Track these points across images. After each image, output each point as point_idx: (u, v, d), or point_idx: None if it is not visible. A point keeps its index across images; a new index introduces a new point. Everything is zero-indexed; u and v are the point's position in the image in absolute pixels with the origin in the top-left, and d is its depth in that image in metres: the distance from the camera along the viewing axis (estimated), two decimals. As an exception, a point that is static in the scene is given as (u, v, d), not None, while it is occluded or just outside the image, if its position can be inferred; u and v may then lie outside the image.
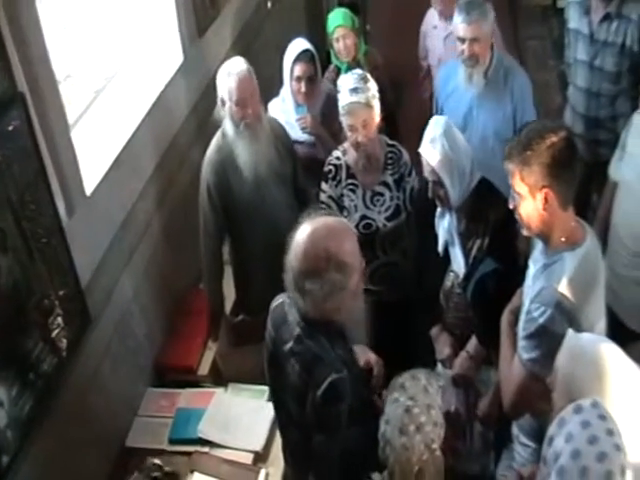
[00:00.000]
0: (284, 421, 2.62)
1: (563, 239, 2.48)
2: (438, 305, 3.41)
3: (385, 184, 3.60)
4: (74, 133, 3.07)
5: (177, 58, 3.92)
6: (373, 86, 3.46)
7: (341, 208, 3.61)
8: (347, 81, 3.46)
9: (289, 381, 2.39)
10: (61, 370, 2.69)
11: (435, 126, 3.09)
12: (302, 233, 2.27)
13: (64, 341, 2.60)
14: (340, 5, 5.99)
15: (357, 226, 3.55)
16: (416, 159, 3.79)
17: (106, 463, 3.14)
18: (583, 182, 4.23)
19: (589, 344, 2.09)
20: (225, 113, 3.46)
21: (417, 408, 2.23)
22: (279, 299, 2.51)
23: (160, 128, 3.70)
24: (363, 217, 3.60)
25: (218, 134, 3.55)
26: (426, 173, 3.12)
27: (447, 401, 3.38)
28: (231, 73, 3.39)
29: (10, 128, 2.43)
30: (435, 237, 3.30)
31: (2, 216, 2.39)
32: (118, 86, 3.51)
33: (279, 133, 3.68)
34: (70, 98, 3.14)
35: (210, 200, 3.53)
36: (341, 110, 3.46)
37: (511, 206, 2.53)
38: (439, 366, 3.46)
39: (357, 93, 3.40)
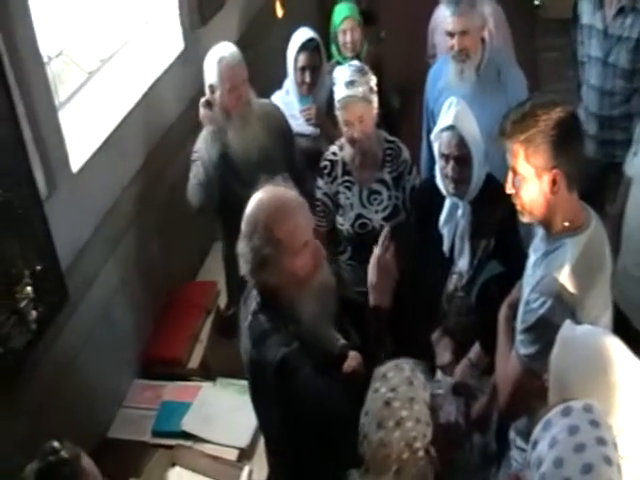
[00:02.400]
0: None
1: (566, 224, 2.30)
2: (439, 308, 3.24)
3: (383, 182, 3.44)
4: (64, 112, 3.02)
5: (177, 45, 3.84)
6: (371, 79, 3.31)
7: (337, 206, 3.47)
8: (343, 73, 3.31)
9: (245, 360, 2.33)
10: (33, 347, 2.58)
11: (458, 103, 2.98)
12: (253, 198, 2.23)
13: (33, 314, 2.49)
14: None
15: (352, 225, 3.42)
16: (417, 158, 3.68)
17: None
18: (597, 185, 4.16)
19: (585, 335, 1.92)
20: (214, 102, 3.34)
21: (398, 401, 2.02)
22: None
23: (154, 115, 3.60)
24: (359, 216, 3.44)
25: (204, 133, 3.43)
26: (450, 150, 2.95)
27: (446, 410, 3.23)
28: (222, 58, 3.29)
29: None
30: (438, 237, 3.16)
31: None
32: (113, 68, 3.43)
33: (272, 115, 3.58)
34: (61, 75, 3.08)
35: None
36: (336, 104, 3.31)
37: (509, 190, 2.34)
38: (439, 373, 3.28)
39: (353, 86, 3.25)
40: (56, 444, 1.78)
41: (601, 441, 1.58)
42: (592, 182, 4.19)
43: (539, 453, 1.64)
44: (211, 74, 3.32)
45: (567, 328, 1.95)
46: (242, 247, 2.21)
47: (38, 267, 2.56)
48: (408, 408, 2.01)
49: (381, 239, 2.45)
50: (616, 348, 1.84)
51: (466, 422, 3.16)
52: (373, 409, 2.04)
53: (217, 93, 3.32)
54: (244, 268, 2.24)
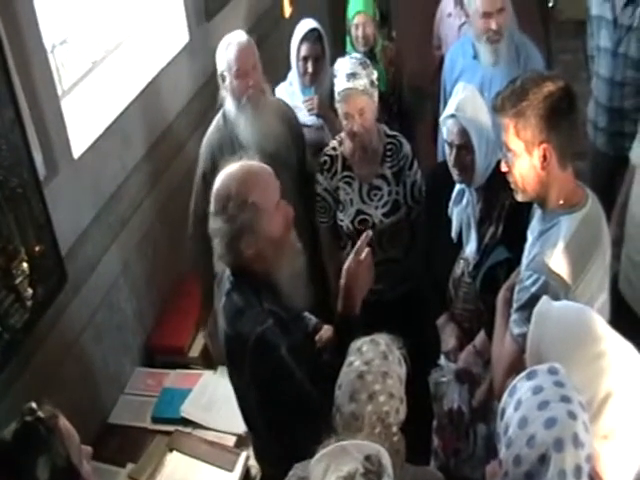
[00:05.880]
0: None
1: (561, 202, 2.28)
2: (447, 294, 3.22)
3: (383, 177, 3.40)
4: (68, 99, 3.06)
5: (182, 38, 3.85)
6: (372, 73, 3.30)
7: (337, 201, 3.44)
8: (344, 65, 3.28)
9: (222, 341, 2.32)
10: (32, 326, 2.60)
11: (464, 90, 2.94)
12: (219, 177, 2.25)
13: (29, 291, 2.52)
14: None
15: (352, 221, 3.39)
16: (423, 154, 3.63)
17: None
18: (607, 178, 4.10)
19: (562, 311, 1.89)
20: (226, 89, 3.32)
21: (371, 375, 2.02)
22: None
23: (158, 106, 3.62)
24: (359, 212, 3.40)
25: (218, 116, 3.41)
26: (452, 138, 2.91)
27: (449, 398, 3.21)
28: (231, 44, 3.26)
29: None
30: (447, 222, 3.14)
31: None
32: (117, 59, 3.46)
33: (286, 115, 3.53)
34: (64, 63, 3.12)
35: (204, 187, 3.19)
36: (337, 96, 3.28)
37: (504, 168, 2.33)
38: (442, 358, 3.26)
39: (355, 79, 3.21)
40: (34, 405, 1.79)
41: (565, 399, 1.57)
42: (603, 175, 4.17)
43: (506, 419, 1.62)
44: (220, 61, 3.28)
45: (543, 304, 1.92)
46: (216, 224, 2.21)
47: (37, 248, 2.59)
48: (381, 382, 2.01)
49: (358, 244, 2.43)
50: (594, 322, 1.81)
51: (469, 411, 3.14)
52: (346, 382, 2.04)
53: (227, 80, 3.28)
54: (218, 248, 2.24)
